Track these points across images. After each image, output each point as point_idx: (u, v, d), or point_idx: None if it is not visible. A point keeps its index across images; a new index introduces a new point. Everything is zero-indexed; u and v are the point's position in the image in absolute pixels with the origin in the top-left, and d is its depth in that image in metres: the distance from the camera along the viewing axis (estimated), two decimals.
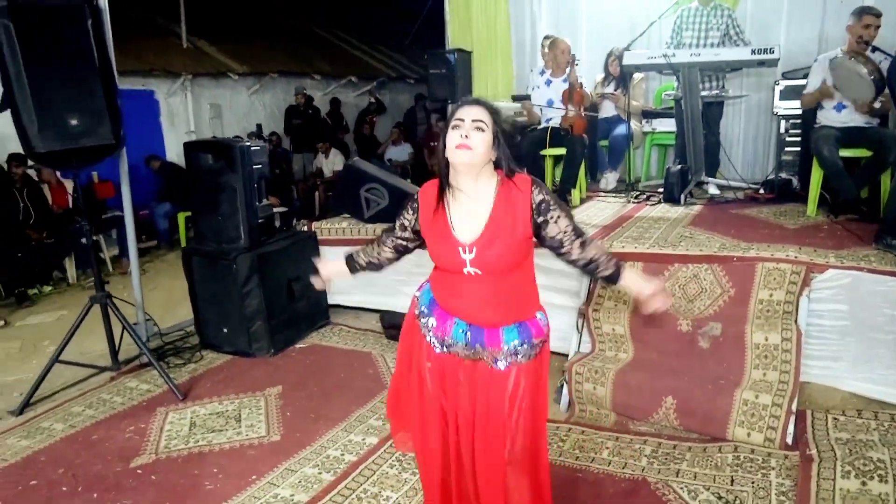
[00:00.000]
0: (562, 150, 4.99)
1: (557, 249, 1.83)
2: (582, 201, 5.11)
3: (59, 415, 3.42)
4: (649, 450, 2.84)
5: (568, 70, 5.18)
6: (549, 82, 5.51)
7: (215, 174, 3.98)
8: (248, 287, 3.97)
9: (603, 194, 5.40)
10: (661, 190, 5.01)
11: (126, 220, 3.93)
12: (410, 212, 1.92)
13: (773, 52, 4.40)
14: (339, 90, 11.21)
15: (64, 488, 2.73)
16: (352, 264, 2.13)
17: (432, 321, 1.92)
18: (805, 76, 4.69)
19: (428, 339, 1.93)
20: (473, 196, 1.79)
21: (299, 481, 2.72)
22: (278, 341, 4.12)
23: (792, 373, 2.91)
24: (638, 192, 5.17)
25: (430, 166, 8.91)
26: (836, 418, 2.91)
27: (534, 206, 1.76)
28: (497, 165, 1.79)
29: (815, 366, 3.08)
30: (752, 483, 2.55)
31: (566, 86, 5.31)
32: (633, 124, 5.43)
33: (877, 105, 4.01)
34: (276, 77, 9.88)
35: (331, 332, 4.49)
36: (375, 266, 2.09)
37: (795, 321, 3.01)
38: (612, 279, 1.83)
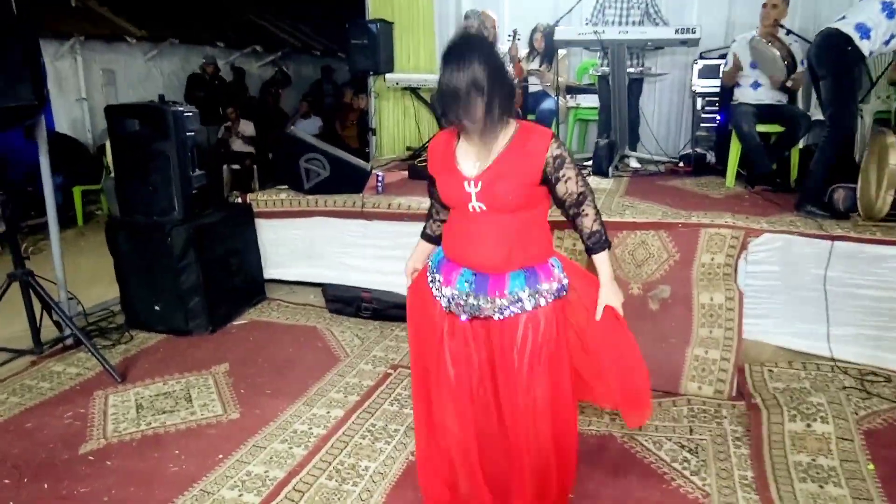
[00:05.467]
0: None
1: (561, 206, 1.90)
2: None
3: None
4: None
5: (507, 45, 5.25)
6: None
7: (145, 140, 3.71)
8: (185, 261, 3.74)
9: None
10: (588, 163, 5.18)
11: (45, 193, 3.57)
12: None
13: (695, 32, 4.65)
14: (242, 60, 10.67)
15: (6, 481, 2.49)
16: (431, 238, 2.12)
17: (439, 277, 1.93)
18: (721, 56, 5.01)
19: (438, 298, 1.92)
20: (487, 139, 1.78)
21: (270, 457, 2.63)
22: (217, 318, 3.93)
23: (735, 329, 3.14)
24: None
25: (342, 138, 8.72)
26: (770, 370, 3.18)
27: (549, 157, 1.79)
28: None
29: (748, 323, 3.30)
30: (710, 431, 2.75)
31: None
32: (559, 99, 5.56)
33: (789, 84, 4.35)
34: (176, 43, 9.27)
35: (269, 307, 4.33)
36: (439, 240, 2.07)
37: (735, 281, 3.25)
38: (587, 251, 1.93)
